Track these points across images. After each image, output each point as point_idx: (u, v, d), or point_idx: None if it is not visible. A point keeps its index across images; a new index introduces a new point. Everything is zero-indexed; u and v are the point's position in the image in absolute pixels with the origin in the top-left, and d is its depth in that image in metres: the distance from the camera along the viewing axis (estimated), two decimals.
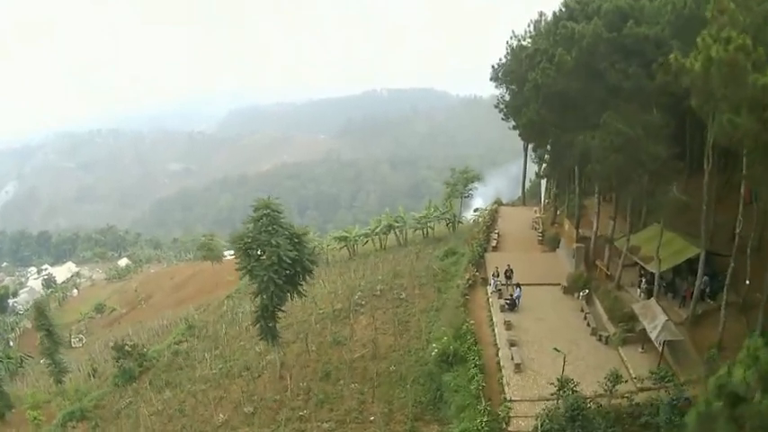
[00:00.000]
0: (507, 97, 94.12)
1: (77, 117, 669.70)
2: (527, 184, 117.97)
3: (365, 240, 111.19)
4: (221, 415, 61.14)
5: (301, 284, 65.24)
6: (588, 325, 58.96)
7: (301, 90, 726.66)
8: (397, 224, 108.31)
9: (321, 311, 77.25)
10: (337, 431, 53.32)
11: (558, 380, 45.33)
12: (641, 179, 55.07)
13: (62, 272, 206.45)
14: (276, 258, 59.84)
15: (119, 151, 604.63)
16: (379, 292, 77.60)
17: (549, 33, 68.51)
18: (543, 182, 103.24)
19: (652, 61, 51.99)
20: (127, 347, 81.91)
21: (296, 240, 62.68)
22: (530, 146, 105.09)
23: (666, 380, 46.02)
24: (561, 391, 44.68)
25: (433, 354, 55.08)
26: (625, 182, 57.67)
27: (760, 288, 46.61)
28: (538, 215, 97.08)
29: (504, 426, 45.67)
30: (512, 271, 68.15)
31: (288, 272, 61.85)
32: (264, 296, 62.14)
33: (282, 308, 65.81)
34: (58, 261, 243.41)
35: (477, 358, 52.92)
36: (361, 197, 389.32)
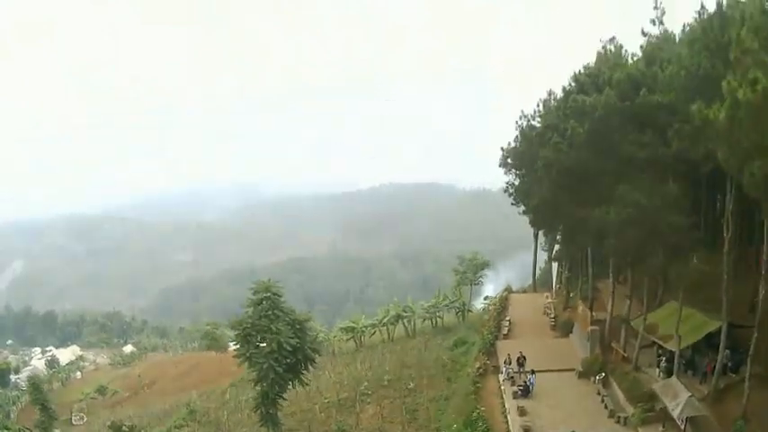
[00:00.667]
0: (517, 182, 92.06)
1: (85, 201, 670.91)
2: (537, 272, 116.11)
3: (372, 331, 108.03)
4: None
5: (303, 373, 63.01)
6: (606, 407, 56.06)
7: (308, 182, 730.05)
8: (405, 314, 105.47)
9: (326, 400, 74.40)
10: None
11: None
12: (660, 252, 52.58)
13: (66, 354, 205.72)
14: (276, 346, 57.80)
15: (126, 239, 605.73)
16: (386, 382, 74.80)
17: (559, 109, 66.83)
18: (554, 267, 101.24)
19: (667, 128, 50.33)
20: (124, 428, 79.42)
21: (297, 327, 60.75)
22: (540, 232, 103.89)
23: None
24: None
25: None
26: (643, 256, 55.30)
27: None
28: (549, 300, 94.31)
29: None
30: (524, 358, 65.49)
31: (288, 360, 59.59)
32: (265, 384, 59.74)
33: (284, 395, 63.39)
34: (62, 344, 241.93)
35: None
36: (370, 291, 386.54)
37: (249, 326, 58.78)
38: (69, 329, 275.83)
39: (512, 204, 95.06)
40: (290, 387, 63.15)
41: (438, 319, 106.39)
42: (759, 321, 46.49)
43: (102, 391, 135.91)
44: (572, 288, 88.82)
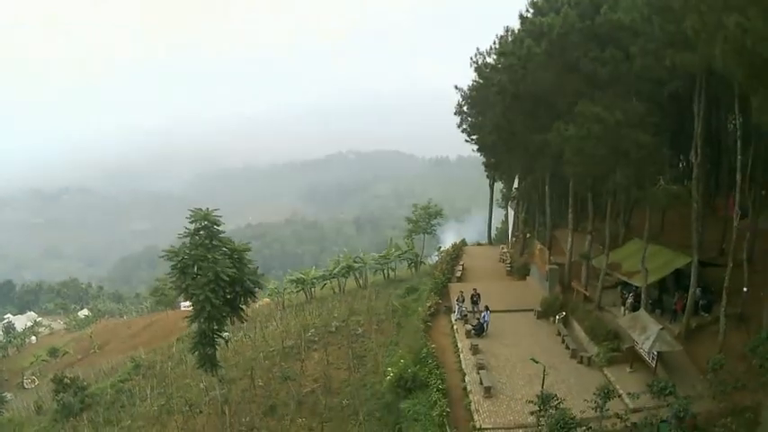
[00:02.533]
0: (470, 118, 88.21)
1: (45, 173, 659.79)
2: (494, 229, 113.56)
3: (323, 283, 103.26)
4: None
5: (242, 308, 59.06)
6: (567, 348, 52.33)
7: (267, 152, 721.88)
8: (356, 265, 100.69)
9: (271, 349, 70.31)
10: None
11: (539, 396, 37.82)
12: (625, 172, 48.13)
13: (22, 320, 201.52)
14: (213, 275, 53.52)
15: (85, 210, 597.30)
16: (334, 329, 70.76)
17: (515, 34, 62.23)
18: (511, 215, 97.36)
19: (630, 47, 46.82)
20: (66, 380, 77.21)
21: (236, 257, 56.59)
22: (495, 184, 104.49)
23: (667, 392, 37.89)
24: (543, 409, 37.10)
25: (388, 378, 47.64)
26: (605, 177, 50.90)
27: (757, 297, 43.02)
28: (506, 250, 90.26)
29: None
30: (478, 295, 61.54)
31: (227, 292, 55.57)
32: (202, 319, 55.75)
33: (222, 334, 59.63)
34: (20, 312, 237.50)
35: (439, 382, 45.65)
36: (326, 256, 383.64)
37: (186, 256, 54.51)
38: (27, 298, 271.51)
39: (465, 141, 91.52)
40: (229, 324, 60.69)
41: (390, 270, 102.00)
42: (729, 261, 44.64)
43: (53, 353, 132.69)
44: (529, 231, 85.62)
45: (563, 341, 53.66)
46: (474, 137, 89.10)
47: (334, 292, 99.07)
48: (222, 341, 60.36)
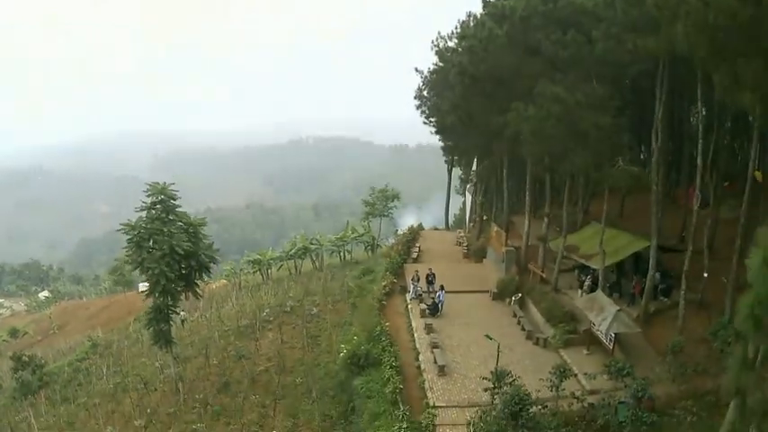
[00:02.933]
0: (429, 101, 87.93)
1: (17, 155, 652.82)
2: (451, 216, 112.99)
3: (280, 265, 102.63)
4: (110, 428, 53.94)
5: (197, 283, 58.83)
6: (523, 329, 52.03)
7: (228, 137, 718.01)
8: (312, 246, 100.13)
9: (226, 329, 69.78)
10: None
11: (493, 372, 37.48)
12: (583, 153, 47.92)
13: None
14: (168, 249, 53.15)
15: (49, 191, 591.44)
16: (289, 309, 70.33)
17: (479, 23, 61.78)
18: (468, 200, 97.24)
19: (592, 31, 46.90)
20: (24, 358, 77.08)
21: (191, 231, 56.25)
22: (453, 169, 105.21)
23: (625, 373, 37.48)
24: (497, 386, 36.76)
25: (341, 355, 47.17)
26: (564, 157, 50.58)
27: (718, 283, 42.90)
28: (463, 234, 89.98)
29: None
30: (434, 275, 61.15)
31: (182, 266, 55.47)
32: (156, 294, 55.32)
33: (177, 309, 59.71)
34: None
35: (392, 360, 45.23)
36: (284, 242, 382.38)
37: (142, 230, 54.04)
38: None
39: (423, 123, 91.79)
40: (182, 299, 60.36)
41: (347, 253, 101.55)
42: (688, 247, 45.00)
43: (14, 334, 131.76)
44: (486, 214, 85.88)
45: (519, 322, 53.39)
46: (432, 119, 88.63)
47: (291, 274, 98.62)
48: (178, 320, 60.18)
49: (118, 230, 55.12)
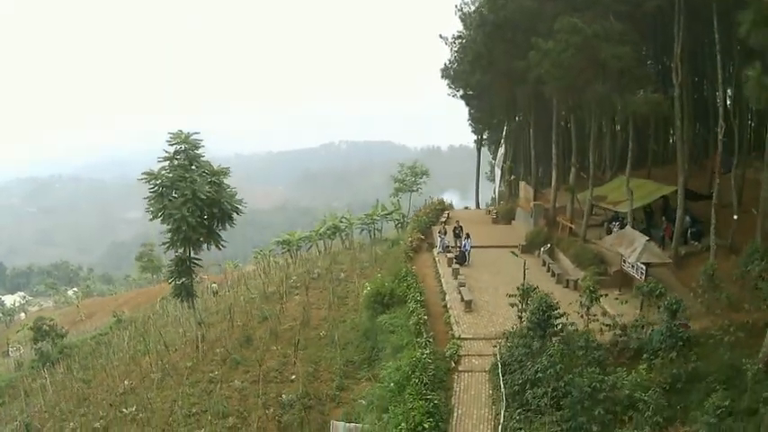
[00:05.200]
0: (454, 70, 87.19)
1: (38, 163, 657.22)
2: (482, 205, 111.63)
3: (309, 245, 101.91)
4: (126, 382, 53.36)
5: (219, 234, 57.59)
6: (553, 275, 51.36)
7: (260, 141, 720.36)
8: (341, 224, 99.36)
9: (253, 296, 69.24)
10: (249, 390, 45.26)
11: (519, 288, 36.61)
12: (604, 85, 47.24)
13: (13, 298, 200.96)
14: (191, 194, 52.50)
15: (78, 198, 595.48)
16: (316, 276, 69.58)
17: None
18: (497, 172, 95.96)
19: None
20: (45, 326, 77.10)
21: (215, 180, 55.63)
22: (483, 143, 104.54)
23: (657, 293, 36.15)
24: (523, 301, 35.89)
25: (365, 292, 46.52)
26: (585, 87, 49.95)
27: (747, 229, 41.82)
28: (493, 208, 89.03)
29: (453, 365, 36.85)
30: (461, 228, 60.52)
31: (205, 213, 54.62)
32: (178, 242, 54.75)
33: (198, 260, 58.83)
34: (11, 293, 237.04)
35: (417, 295, 44.56)
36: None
37: (164, 179, 53.54)
38: (18, 280, 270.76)
39: (449, 96, 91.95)
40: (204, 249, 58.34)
41: (376, 231, 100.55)
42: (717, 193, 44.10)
43: (39, 320, 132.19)
44: (515, 176, 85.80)
45: (548, 269, 52.68)
46: (458, 88, 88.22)
47: (320, 253, 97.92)
48: (210, 292, 58.64)
49: (139, 179, 54.22)
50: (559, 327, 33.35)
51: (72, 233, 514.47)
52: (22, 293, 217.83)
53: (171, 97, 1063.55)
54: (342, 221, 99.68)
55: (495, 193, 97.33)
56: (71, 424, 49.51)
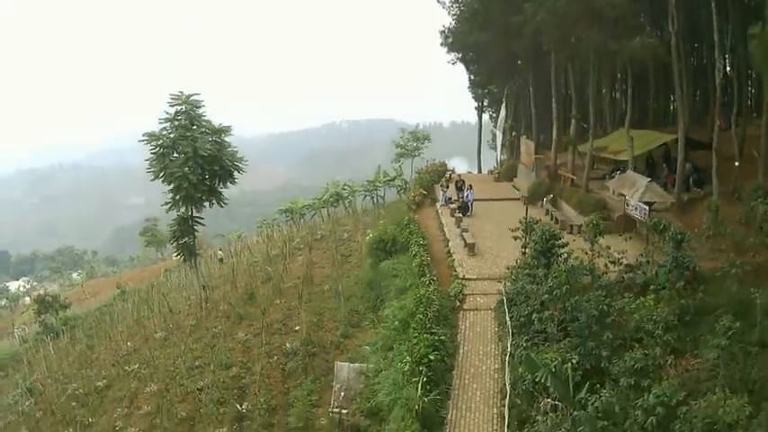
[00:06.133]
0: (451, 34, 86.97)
1: (38, 155, 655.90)
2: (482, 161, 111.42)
3: (313, 213, 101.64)
4: (129, 344, 53.49)
5: (221, 192, 57.50)
6: (556, 221, 50.97)
7: (262, 123, 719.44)
8: (344, 192, 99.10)
9: (256, 259, 68.91)
10: (252, 342, 45.27)
11: (521, 221, 36.42)
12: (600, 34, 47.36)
13: (17, 284, 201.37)
14: (192, 152, 52.18)
15: (80, 186, 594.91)
16: (319, 237, 69.40)
17: None
18: (498, 136, 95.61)
19: None
20: (48, 298, 77.67)
21: (215, 138, 55.47)
22: (484, 108, 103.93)
23: (661, 227, 35.76)
24: (527, 234, 35.69)
25: (367, 239, 46.35)
26: (581, 36, 50.35)
27: (750, 175, 40.77)
28: (495, 169, 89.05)
29: (458, 303, 36.84)
30: (463, 182, 60.91)
31: (206, 171, 54.32)
32: (180, 201, 54.41)
33: (201, 219, 58.29)
34: (16, 279, 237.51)
35: (421, 239, 44.58)
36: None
37: (166, 139, 53.24)
38: (22, 267, 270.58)
39: (449, 63, 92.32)
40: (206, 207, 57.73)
41: (379, 198, 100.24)
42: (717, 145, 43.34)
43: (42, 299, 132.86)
44: (515, 134, 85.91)
45: (552, 217, 52.55)
46: (456, 49, 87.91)
47: (323, 221, 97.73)
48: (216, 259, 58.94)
49: (140, 141, 53.95)
50: (563, 256, 32.98)
51: (75, 222, 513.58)
52: (26, 278, 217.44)
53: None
54: (344, 189, 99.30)
55: (496, 161, 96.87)
56: (74, 385, 49.63)
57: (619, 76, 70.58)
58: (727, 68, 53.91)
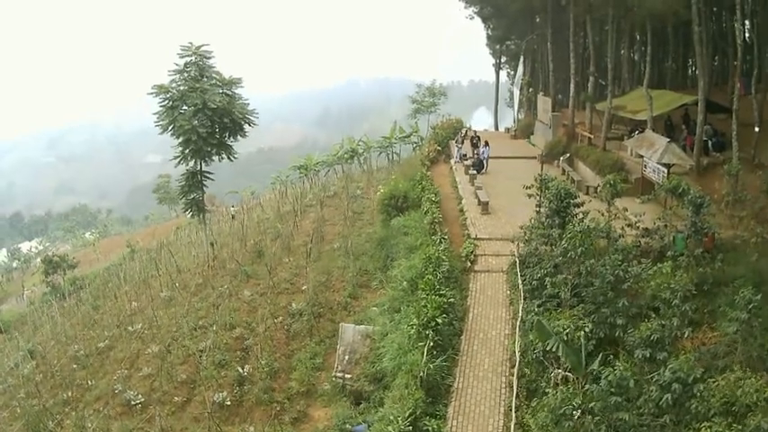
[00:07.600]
0: None
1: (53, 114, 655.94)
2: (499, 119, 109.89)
3: (327, 170, 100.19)
4: (134, 304, 52.52)
5: (230, 146, 56.10)
6: (572, 181, 49.41)
7: (279, 81, 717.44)
8: (359, 149, 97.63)
9: (267, 216, 68.43)
10: (258, 301, 44.18)
11: (536, 178, 35.17)
12: None
13: (30, 245, 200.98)
14: (201, 104, 50.73)
15: (95, 146, 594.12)
16: (332, 193, 68.51)
17: None
18: (516, 93, 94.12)
19: None
20: (56, 258, 77.00)
21: (226, 91, 53.89)
22: (501, 63, 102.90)
23: (680, 190, 32.89)
24: (542, 191, 34.42)
25: (378, 194, 45.24)
26: None
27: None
28: (512, 127, 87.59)
29: (469, 264, 35.75)
30: (478, 138, 59.72)
31: (216, 124, 52.93)
32: (189, 155, 53.64)
33: (210, 174, 56.98)
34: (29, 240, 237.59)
35: (433, 196, 43.43)
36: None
37: (175, 91, 51.91)
38: (36, 227, 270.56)
39: (468, 18, 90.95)
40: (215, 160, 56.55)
41: (395, 155, 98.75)
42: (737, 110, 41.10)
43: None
44: (533, 90, 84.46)
45: (568, 176, 51.23)
46: (474, 3, 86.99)
47: (337, 177, 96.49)
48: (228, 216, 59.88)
49: (149, 93, 52.58)
50: (578, 216, 31.69)
51: (92, 180, 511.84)
52: (38, 239, 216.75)
53: None
54: (359, 145, 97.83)
55: (514, 119, 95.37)
56: (75, 346, 48.75)
57: (638, 36, 69.13)
58: (747, 34, 51.79)
